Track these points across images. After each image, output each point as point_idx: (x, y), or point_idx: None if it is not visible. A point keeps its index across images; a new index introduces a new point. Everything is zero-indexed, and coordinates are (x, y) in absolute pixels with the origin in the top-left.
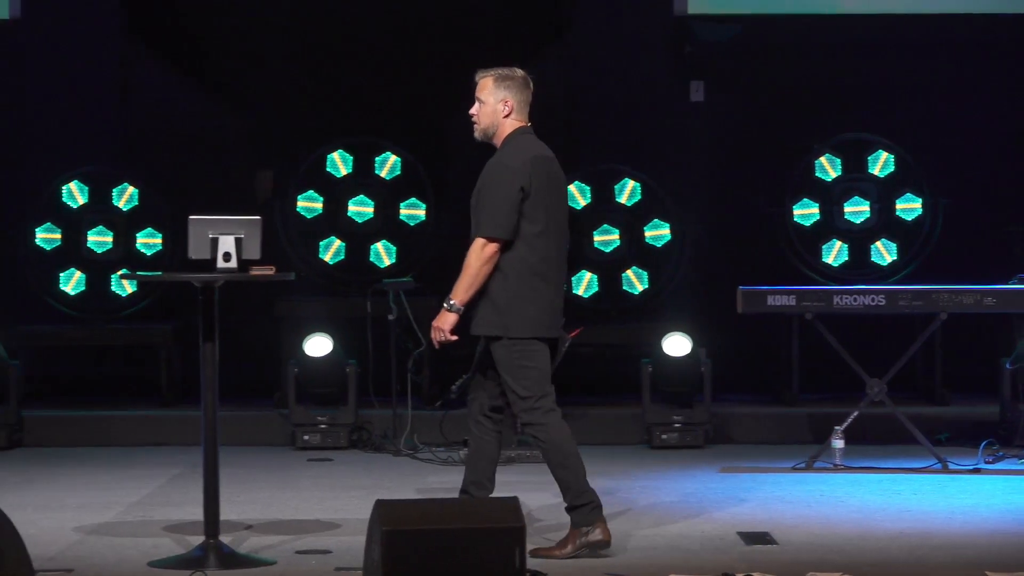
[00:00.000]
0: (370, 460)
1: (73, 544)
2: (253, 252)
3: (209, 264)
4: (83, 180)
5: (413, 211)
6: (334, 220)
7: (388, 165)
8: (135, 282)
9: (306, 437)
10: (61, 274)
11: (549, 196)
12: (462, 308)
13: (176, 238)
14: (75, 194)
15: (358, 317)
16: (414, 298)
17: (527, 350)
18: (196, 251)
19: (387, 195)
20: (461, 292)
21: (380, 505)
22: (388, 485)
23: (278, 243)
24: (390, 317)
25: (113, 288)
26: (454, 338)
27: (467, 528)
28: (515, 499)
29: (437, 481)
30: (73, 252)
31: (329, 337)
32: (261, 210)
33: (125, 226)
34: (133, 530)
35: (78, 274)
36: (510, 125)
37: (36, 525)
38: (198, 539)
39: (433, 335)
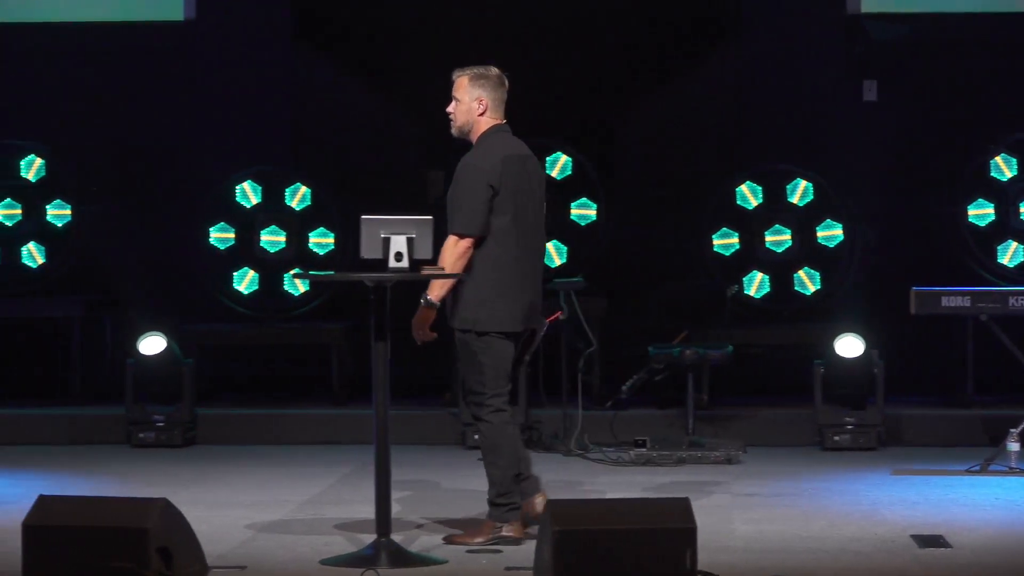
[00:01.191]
0: (540, 460)
1: (245, 541)
2: (424, 252)
3: (381, 264)
4: (256, 180)
5: (584, 211)
6: None
7: (559, 165)
8: (307, 281)
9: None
10: (234, 273)
11: (520, 194)
12: (438, 304)
13: (348, 238)
14: (248, 194)
15: None
16: (584, 298)
17: (487, 346)
18: (368, 251)
19: (558, 195)
20: (436, 288)
21: (551, 505)
22: (558, 485)
23: None
24: (560, 317)
25: (286, 287)
26: (433, 335)
27: (638, 529)
28: (686, 500)
29: (608, 481)
30: (246, 252)
31: None
32: (432, 210)
33: (298, 226)
34: (305, 528)
35: (251, 273)
36: (485, 123)
37: (209, 522)
38: (369, 537)
39: (415, 334)
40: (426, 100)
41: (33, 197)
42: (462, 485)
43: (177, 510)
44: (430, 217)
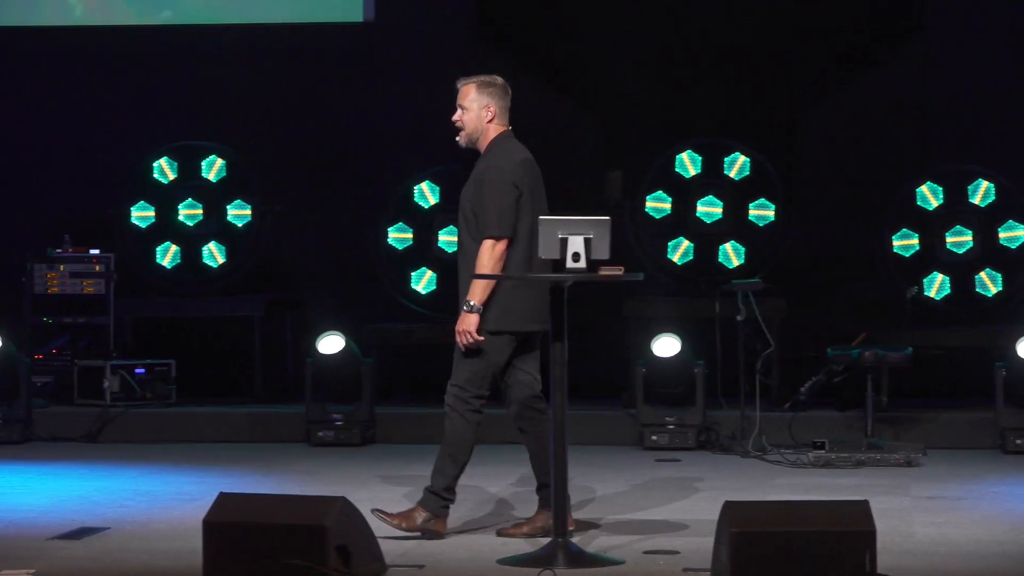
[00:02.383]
0: (718, 461)
1: (423, 540)
2: (602, 252)
3: (559, 264)
4: (435, 180)
5: (762, 211)
6: (683, 220)
7: (737, 166)
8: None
9: (654, 437)
10: (412, 273)
11: (535, 196)
12: (481, 308)
13: None
14: (427, 194)
15: (706, 318)
16: (763, 299)
17: (492, 345)
18: (546, 251)
19: (736, 195)
20: (479, 293)
21: (729, 506)
22: (736, 486)
23: (627, 243)
24: (739, 318)
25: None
26: (481, 339)
27: (816, 531)
28: (865, 503)
29: (786, 483)
30: (424, 251)
31: (677, 337)
32: (610, 210)
33: None
34: (484, 527)
35: (429, 273)
36: (494, 130)
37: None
38: (546, 537)
39: (460, 339)
40: (605, 99)
41: (214, 197)
42: (640, 485)
43: (356, 508)
44: (608, 217)
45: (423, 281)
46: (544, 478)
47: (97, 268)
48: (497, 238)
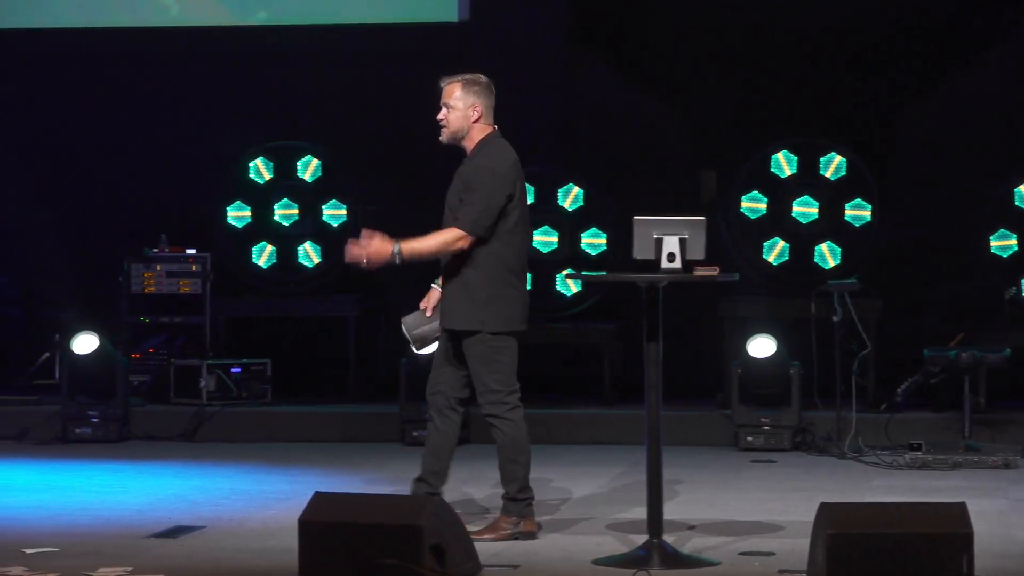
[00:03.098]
0: (813, 462)
1: (518, 540)
2: (697, 252)
3: (653, 264)
4: (528, 180)
5: (858, 212)
6: (778, 221)
7: (833, 166)
8: (580, 282)
9: (749, 438)
10: None
11: (523, 196)
12: (402, 259)
13: (620, 238)
14: None
15: (802, 318)
16: (859, 300)
17: (501, 345)
18: (640, 251)
19: (832, 195)
20: (413, 252)
21: (825, 508)
22: (832, 488)
23: (722, 243)
24: (834, 319)
25: (558, 287)
26: (363, 264)
27: (913, 533)
28: (962, 504)
29: (882, 484)
30: None
31: (772, 338)
32: (705, 210)
33: (570, 226)
34: (578, 528)
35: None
36: (480, 130)
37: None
38: (641, 538)
39: (356, 252)
40: (699, 100)
41: (310, 197)
42: (735, 486)
43: (450, 508)
44: (703, 218)
45: None
46: (429, 476)
47: (193, 268)
48: (469, 234)
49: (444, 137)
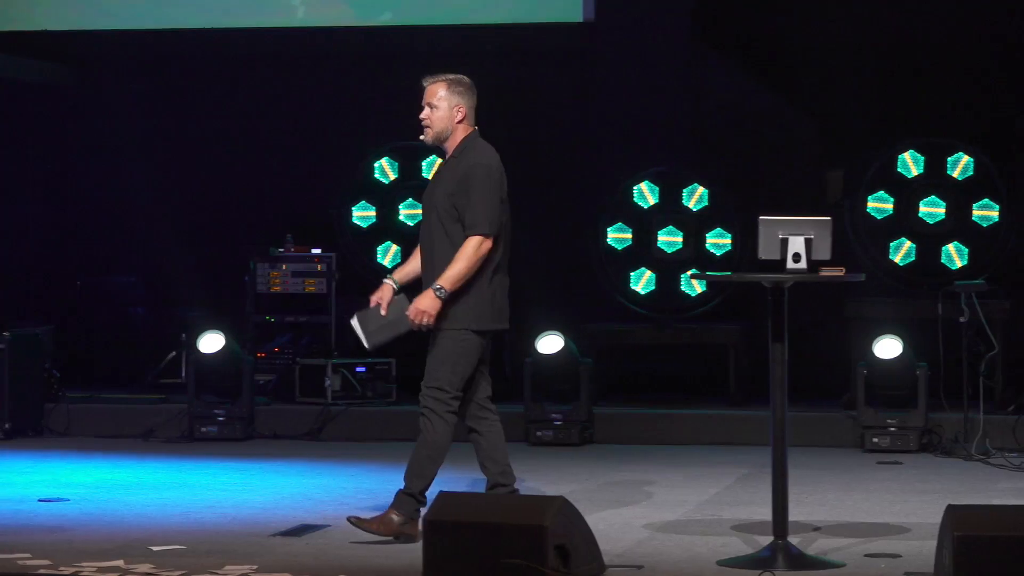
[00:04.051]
0: (940, 464)
1: (643, 540)
2: (823, 253)
3: (779, 264)
4: (654, 180)
5: (986, 212)
6: (905, 221)
7: (960, 166)
8: (704, 282)
9: (875, 439)
10: (632, 273)
11: (506, 197)
12: (448, 296)
13: (746, 238)
14: (646, 194)
15: (928, 319)
16: (986, 300)
17: (469, 346)
18: (766, 251)
19: (959, 196)
20: (451, 282)
21: (952, 510)
22: (959, 490)
23: (848, 244)
24: (961, 320)
25: (683, 287)
26: (426, 320)
27: None
28: None
29: (1010, 487)
30: (644, 252)
31: (899, 339)
32: (831, 210)
33: (695, 226)
34: (702, 528)
35: (648, 273)
36: (463, 130)
37: (606, 521)
38: (766, 539)
39: (417, 318)
40: (825, 98)
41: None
42: (860, 488)
43: (575, 508)
44: (829, 218)
45: (642, 281)
46: (498, 478)
47: (319, 267)
48: (486, 236)
49: (428, 137)
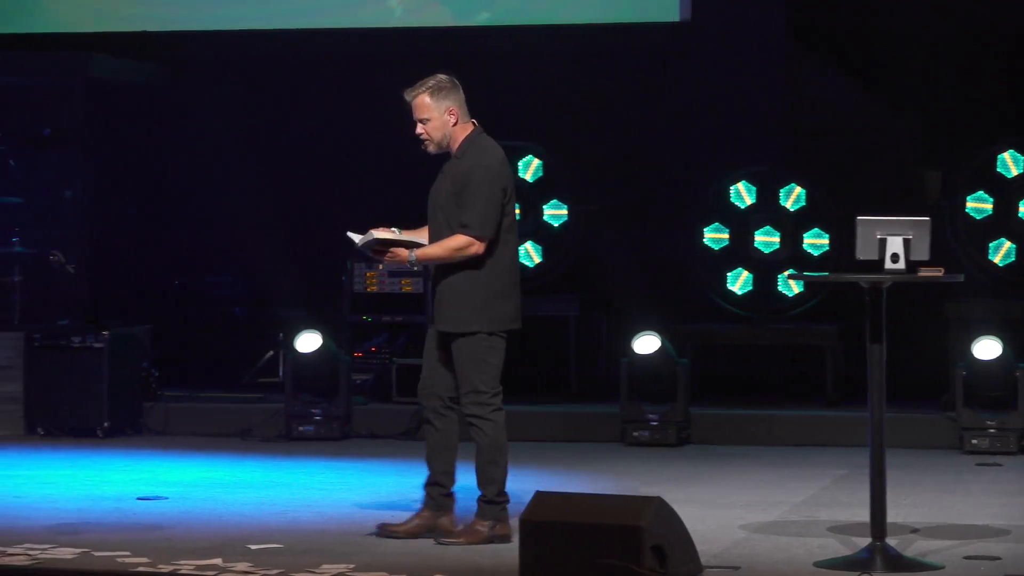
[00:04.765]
0: None
1: (739, 541)
2: (921, 253)
3: (877, 265)
4: (750, 180)
5: None
6: (1004, 221)
7: None
8: (801, 282)
9: (974, 441)
10: (728, 273)
11: (513, 193)
12: (420, 268)
13: (843, 239)
14: (743, 194)
15: None
16: None
17: (494, 346)
18: (863, 252)
19: None
20: (425, 258)
21: None
22: None
23: (947, 244)
24: None
25: (780, 288)
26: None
27: None
28: None
29: None
30: (741, 252)
31: (998, 340)
32: (930, 210)
33: (792, 226)
34: (799, 530)
35: (745, 274)
36: (462, 130)
37: (703, 522)
38: (864, 541)
39: (387, 256)
40: (923, 97)
41: (531, 197)
42: (959, 489)
43: (671, 509)
44: (927, 218)
45: (739, 281)
46: (439, 477)
47: (415, 268)
48: (478, 238)
49: (431, 149)
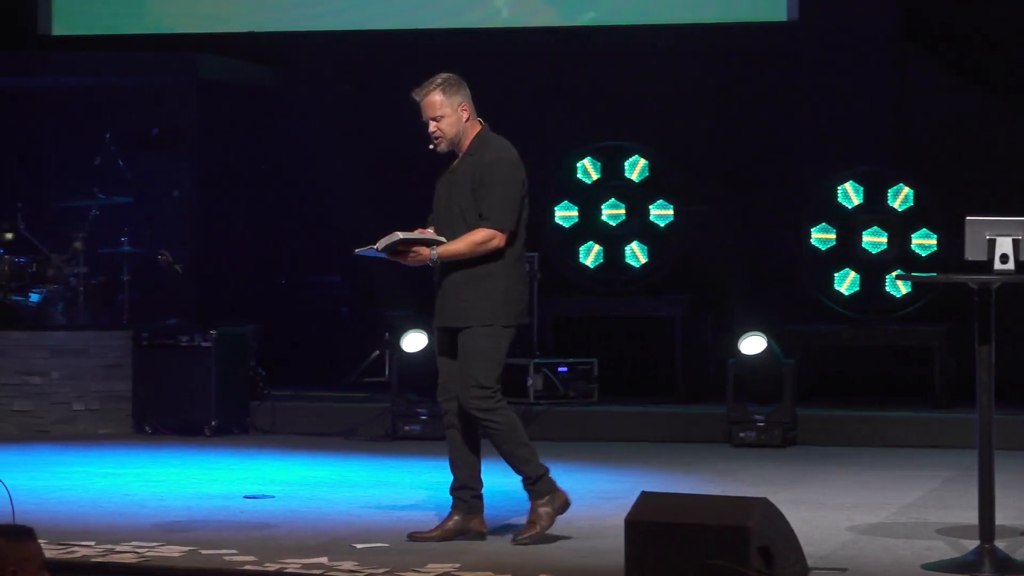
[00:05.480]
0: None
1: (846, 543)
2: None
3: (986, 265)
4: (858, 181)
5: None
6: None
7: None
8: (909, 283)
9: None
10: (836, 274)
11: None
12: (440, 263)
13: (952, 239)
14: (850, 194)
15: None
16: None
17: (502, 341)
18: (972, 252)
19: None
20: (447, 255)
21: None
22: None
23: None
24: None
25: (887, 289)
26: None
27: None
28: None
29: None
30: (848, 252)
31: None
32: None
33: (900, 227)
34: (907, 532)
35: (852, 274)
36: (472, 126)
37: (809, 523)
38: (972, 543)
39: (410, 258)
40: None
41: (637, 197)
42: None
43: (778, 510)
44: None
45: (846, 282)
46: (467, 480)
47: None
48: (500, 231)
49: (443, 147)
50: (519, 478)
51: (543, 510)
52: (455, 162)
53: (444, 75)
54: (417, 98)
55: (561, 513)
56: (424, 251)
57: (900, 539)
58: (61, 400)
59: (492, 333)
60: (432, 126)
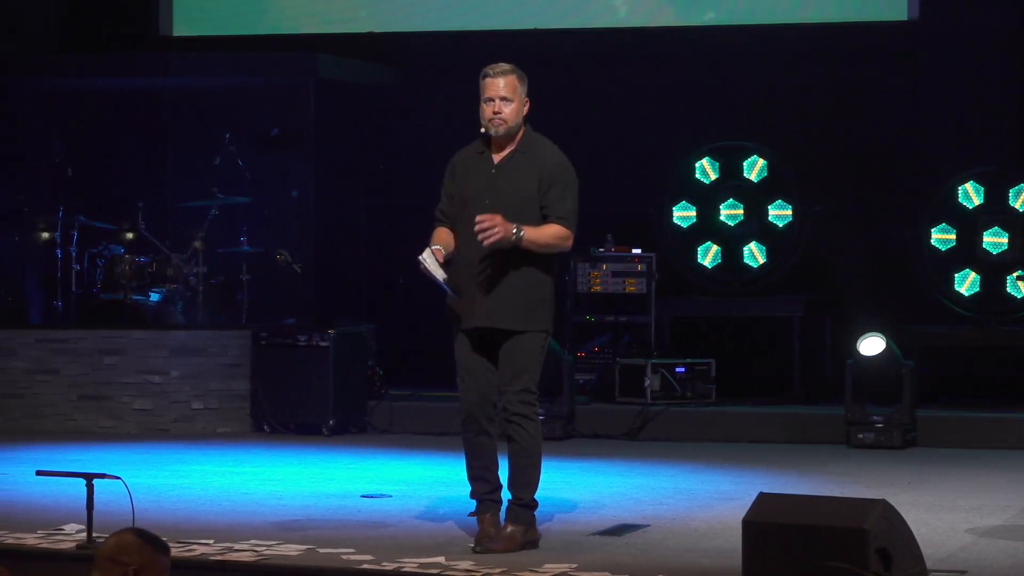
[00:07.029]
0: None
1: (966, 545)
2: None
3: None
4: (979, 180)
5: None
6: None
7: None
8: None
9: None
10: (956, 275)
11: None
12: (521, 240)
13: None
14: (971, 194)
15: None
16: None
17: (546, 345)
18: None
19: None
20: (531, 241)
21: None
22: None
23: None
24: None
25: (1008, 289)
26: (495, 238)
27: None
28: None
29: None
30: (968, 253)
31: None
32: None
33: (1021, 228)
34: None
35: (972, 275)
36: (523, 124)
37: (928, 525)
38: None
39: (488, 226)
40: None
41: (755, 197)
42: None
43: (897, 512)
44: None
45: (967, 283)
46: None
47: (639, 267)
48: (572, 234)
49: (501, 131)
50: (529, 492)
51: (517, 533)
52: (497, 156)
53: (517, 67)
54: (491, 73)
55: (527, 548)
56: (504, 226)
57: (1021, 542)
58: (180, 399)
59: (543, 340)
60: (497, 106)
